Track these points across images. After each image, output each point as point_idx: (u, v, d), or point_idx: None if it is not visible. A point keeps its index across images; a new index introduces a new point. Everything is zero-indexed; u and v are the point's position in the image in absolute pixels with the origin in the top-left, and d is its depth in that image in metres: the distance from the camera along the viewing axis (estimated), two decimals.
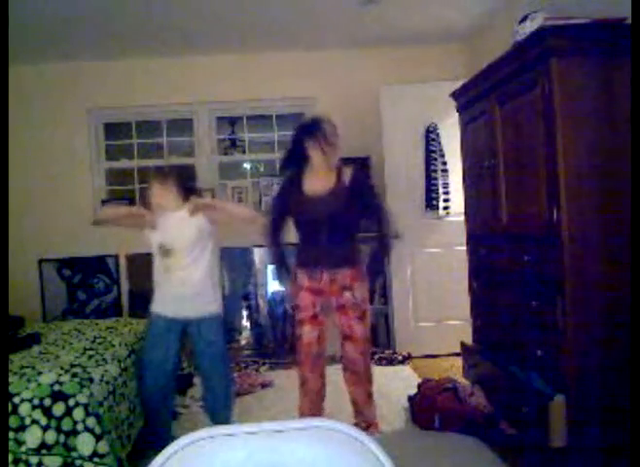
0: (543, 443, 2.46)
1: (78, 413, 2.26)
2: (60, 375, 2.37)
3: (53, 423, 2.23)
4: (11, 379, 2.32)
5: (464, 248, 3.59)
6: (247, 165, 6.09)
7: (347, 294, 2.86)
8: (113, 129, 5.05)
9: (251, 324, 4.86)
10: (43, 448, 2.20)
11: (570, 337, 2.39)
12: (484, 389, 3.10)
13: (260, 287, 4.88)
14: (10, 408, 2.21)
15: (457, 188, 4.04)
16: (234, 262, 4.85)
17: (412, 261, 4.62)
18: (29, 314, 4.23)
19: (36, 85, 4.70)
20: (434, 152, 4.52)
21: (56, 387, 2.29)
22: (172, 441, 1.03)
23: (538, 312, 2.60)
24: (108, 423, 2.37)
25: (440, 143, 4.51)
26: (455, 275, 4.09)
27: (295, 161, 2.94)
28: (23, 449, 2.20)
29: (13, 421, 2.21)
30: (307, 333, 2.92)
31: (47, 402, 2.25)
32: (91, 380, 2.41)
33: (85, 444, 2.24)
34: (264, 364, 4.47)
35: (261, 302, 4.87)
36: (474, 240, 3.45)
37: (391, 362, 4.39)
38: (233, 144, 6.03)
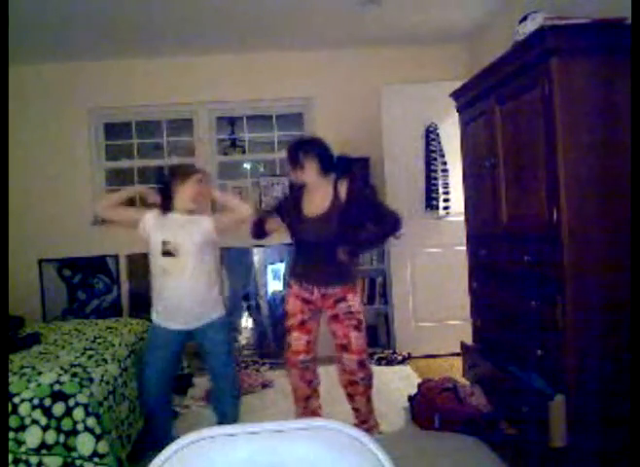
0: (543, 443, 2.45)
1: (78, 413, 2.26)
2: (60, 375, 2.37)
3: (53, 423, 2.23)
4: (11, 379, 2.32)
5: (464, 248, 3.59)
6: (247, 165, 6.09)
7: (341, 304, 2.86)
8: (113, 129, 5.04)
9: (251, 324, 4.86)
10: (43, 448, 2.21)
11: (570, 337, 2.39)
12: (484, 389, 3.10)
13: (260, 287, 4.88)
14: (10, 408, 2.21)
15: (457, 188, 4.04)
16: (234, 262, 4.85)
17: (412, 261, 4.62)
18: (29, 314, 4.22)
19: (36, 85, 4.70)
20: (434, 152, 4.51)
21: (56, 387, 2.29)
22: (172, 441, 1.03)
23: (538, 312, 2.60)
24: (108, 423, 2.37)
25: (440, 143, 4.51)
26: (455, 275, 4.08)
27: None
28: (23, 449, 2.20)
29: (13, 421, 2.21)
30: (295, 340, 2.93)
31: (47, 402, 2.25)
32: (91, 380, 2.41)
33: (85, 444, 2.24)
34: (264, 364, 4.48)
35: (261, 302, 4.87)
36: (474, 240, 3.45)
37: (391, 362, 4.39)
38: (233, 144, 6.01)
